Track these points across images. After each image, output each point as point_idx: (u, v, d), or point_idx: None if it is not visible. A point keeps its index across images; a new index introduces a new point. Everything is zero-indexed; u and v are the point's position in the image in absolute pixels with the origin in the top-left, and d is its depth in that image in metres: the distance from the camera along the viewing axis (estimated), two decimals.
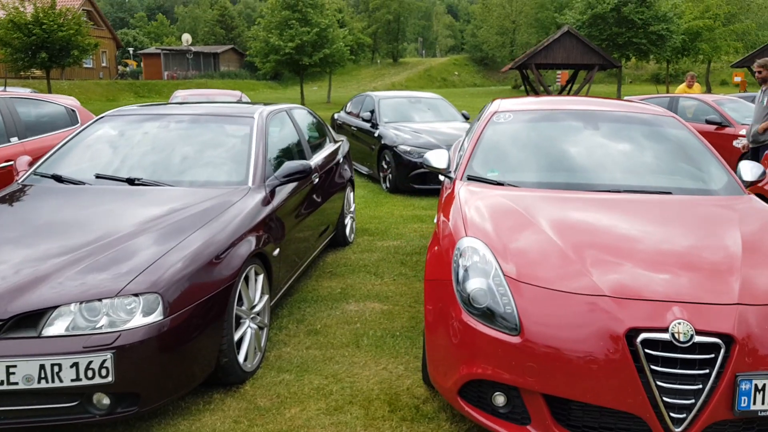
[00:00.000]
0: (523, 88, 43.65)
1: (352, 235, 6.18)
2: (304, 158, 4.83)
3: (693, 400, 2.20)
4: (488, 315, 2.48)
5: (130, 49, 59.49)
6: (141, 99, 38.96)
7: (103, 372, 2.45)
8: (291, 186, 4.19)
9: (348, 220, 6.01)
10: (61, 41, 26.47)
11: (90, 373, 2.44)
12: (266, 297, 3.55)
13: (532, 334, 2.35)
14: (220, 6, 59.16)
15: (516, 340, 2.37)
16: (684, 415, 2.20)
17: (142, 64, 52.32)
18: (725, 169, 3.60)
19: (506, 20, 53.07)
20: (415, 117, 10.07)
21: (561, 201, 3.17)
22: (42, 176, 3.94)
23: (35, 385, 2.41)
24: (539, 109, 4.13)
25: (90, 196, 3.61)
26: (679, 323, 2.22)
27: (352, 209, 6.21)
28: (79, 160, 4.12)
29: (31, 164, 4.28)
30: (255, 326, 3.38)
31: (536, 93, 18.75)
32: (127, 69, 53.13)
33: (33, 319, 2.50)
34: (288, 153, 4.63)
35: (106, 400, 2.54)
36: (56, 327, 2.49)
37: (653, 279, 2.44)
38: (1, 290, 2.53)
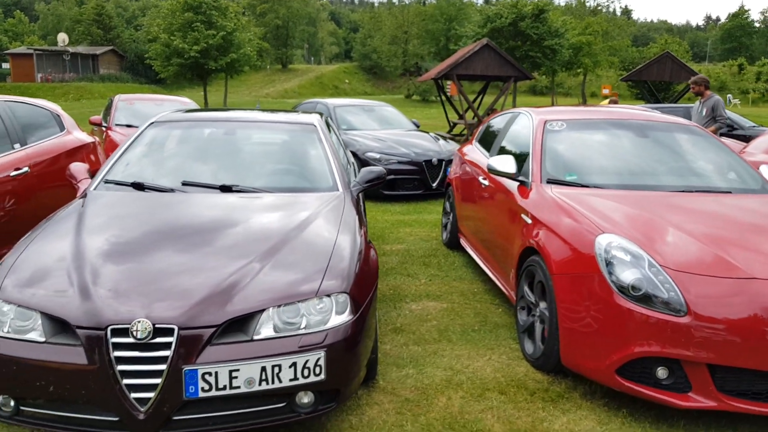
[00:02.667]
0: (414, 97, 45.25)
1: None
2: (349, 163, 4.96)
3: None
4: (646, 300, 2.84)
5: None
6: None
7: (317, 370, 2.54)
8: None
9: None
10: None
11: (306, 372, 2.52)
12: None
13: (700, 313, 2.74)
14: (96, 4, 55.75)
15: (685, 319, 2.74)
16: None
17: (9, 65, 48.21)
18: (755, 170, 4.21)
19: (398, 30, 54.46)
20: (370, 124, 10.30)
21: (655, 199, 3.60)
22: (117, 184, 3.78)
23: (255, 388, 2.45)
24: (587, 118, 4.57)
25: (204, 202, 3.49)
26: None
27: None
28: (150, 167, 4.00)
29: (89, 172, 4.12)
30: None
31: (451, 104, 19.54)
32: None
33: (239, 323, 2.53)
34: (341, 159, 4.74)
35: (307, 399, 2.61)
36: (265, 330, 2.54)
37: None
38: (210, 294, 2.53)
